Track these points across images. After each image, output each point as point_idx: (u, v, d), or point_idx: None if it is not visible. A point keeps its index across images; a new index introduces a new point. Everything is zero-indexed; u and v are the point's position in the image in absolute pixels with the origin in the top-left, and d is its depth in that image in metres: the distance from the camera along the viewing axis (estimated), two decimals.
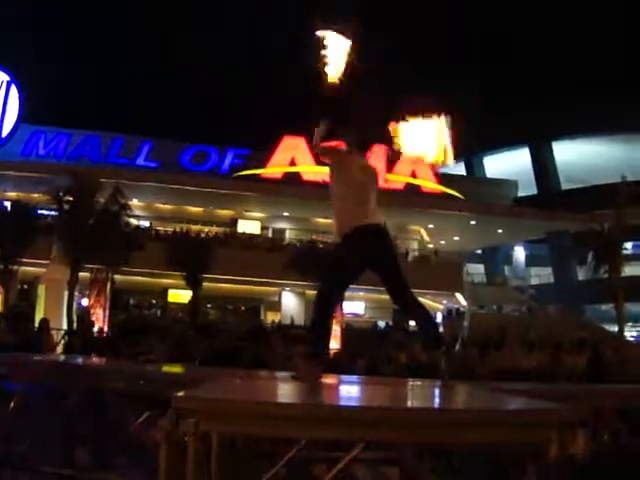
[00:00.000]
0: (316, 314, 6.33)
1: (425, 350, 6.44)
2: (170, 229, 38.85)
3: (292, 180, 44.11)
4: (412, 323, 42.06)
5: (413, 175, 46.40)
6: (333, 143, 6.71)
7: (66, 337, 21.39)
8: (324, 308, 6.35)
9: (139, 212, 41.98)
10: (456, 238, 51.95)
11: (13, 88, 45.59)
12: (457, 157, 7.11)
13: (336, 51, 6.62)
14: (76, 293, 26.02)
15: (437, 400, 5.36)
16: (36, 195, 28.45)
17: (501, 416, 3.72)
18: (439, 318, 50.36)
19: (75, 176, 25.76)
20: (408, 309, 6.41)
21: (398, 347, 19.66)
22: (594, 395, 6.08)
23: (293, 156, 45.16)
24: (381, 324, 39.40)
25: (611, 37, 56.83)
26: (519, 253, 65.84)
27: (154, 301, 44.44)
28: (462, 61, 64.46)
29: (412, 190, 45.44)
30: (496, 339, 19.53)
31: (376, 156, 7.01)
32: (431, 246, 50.95)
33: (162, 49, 70.58)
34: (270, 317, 42.38)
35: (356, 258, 6.24)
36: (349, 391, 5.68)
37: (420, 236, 51.30)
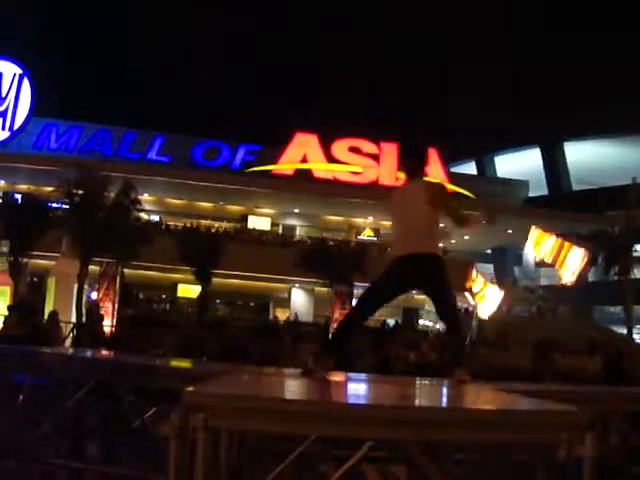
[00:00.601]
0: (345, 321, 6.52)
1: (448, 364, 6.62)
2: (180, 224, 38.86)
3: (303, 177, 44.04)
4: (421, 322, 42.08)
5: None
6: None
7: (75, 330, 21.46)
8: (354, 318, 6.57)
9: (150, 207, 42.03)
10: (466, 237, 51.83)
11: (25, 81, 45.64)
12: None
13: None
14: (85, 286, 26.11)
15: (446, 399, 5.36)
16: (47, 188, 28.46)
17: (510, 416, 3.71)
18: None
19: (86, 170, 25.81)
20: (446, 329, 6.79)
21: (407, 346, 19.66)
22: (603, 397, 6.07)
23: (305, 153, 45.12)
24: (390, 322, 39.34)
25: (623, 38, 56.57)
26: (529, 253, 65.70)
27: (163, 296, 44.51)
28: (475, 64, 64.28)
29: None
30: (504, 339, 19.52)
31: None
32: (441, 245, 50.81)
33: (176, 43, 70.73)
34: (279, 313, 42.39)
35: (400, 282, 6.55)
36: (358, 389, 5.68)
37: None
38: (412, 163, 7.01)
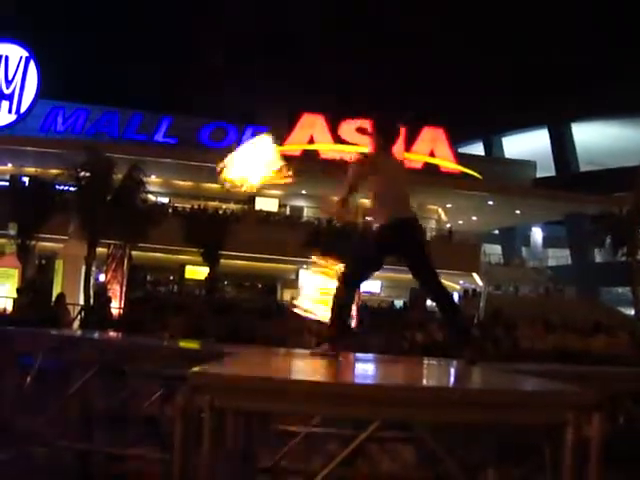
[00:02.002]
0: (338, 295, 6.42)
1: (452, 344, 6.52)
2: (188, 206, 38.85)
3: (310, 158, 43.97)
4: (429, 302, 42.07)
5: (432, 154, 46.22)
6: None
7: (83, 312, 21.51)
8: (346, 290, 6.45)
9: (157, 188, 42.04)
10: (474, 218, 51.82)
11: (32, 64, 45.67)
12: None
13: None
14: (93, 269, 26.13)
15: (453, 379, 5.37)
16: (54, 171, 28.44)
17: (517, 397, 3.71)
18: (455, 298, 50.36)
19: (93, 152, 25.80)
20: (436, 300, 6.60)
21: (414, 326, 19.67)
22: (610, 378, 6.07)
23: (312, 134, 45.08)
24: (398, 303, 39.36)
25: (631, 19, 56.25)
26: (537, 234, 65.72)
27: (171, 277, 44.58)
28: (483, 43, 64.04)
29: (430, 169, 45.24)
30: (511, 320, 19.47)
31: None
32: (448, 225, 50.78)
33: (182, 25, 70.58)
34: (287, 295, 42.44)
35: (388, 248, 6.48)
36: (365, 369, 5.69)
37: (438, 216, 51.13)
38: (391, 136, 6.91)
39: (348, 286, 6.48)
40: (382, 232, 6.47)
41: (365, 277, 6.75)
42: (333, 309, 6.42)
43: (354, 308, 28.19)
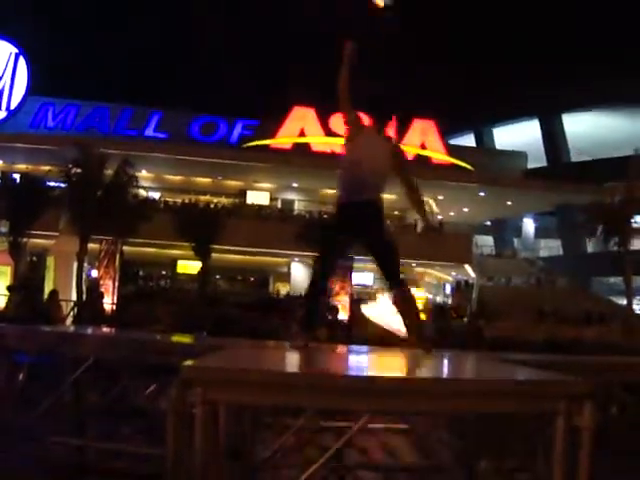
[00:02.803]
0: (309, 286, 6.41)
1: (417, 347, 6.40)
2: (179, 200, 38.86)
3: (301, 151, 43.94)
4: (422, 294, 42.03)
5: (423, 146, 46.21)
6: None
7: (75, 308, 21.49)
8: (314, 280, 6.44)
9: (148, 183, 42.00)
10: (465, 210, 51.86)
11: (22, 60, 45.52)
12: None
13: None
14: (85, 264, 26.09)
15: (444, 370, 5.38)
16: (45, 167, 28.39)
17: (509, 386, 3.72)
18: (448, 289, 50.54)
19: (83, 148, 25.75)
20: (393, 299, 6.45)
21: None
22: (601, 367, 6.09)
23: (302, 127, 45.01)
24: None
25: (622, 8, 56.28)
26: (528, 225, 65.81)
27: (163, 272, 44.57)
28: (473, 33, 64.07)
29: (422, 161, 45.20)
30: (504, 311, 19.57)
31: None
32: (440, 217, 50.81)
33: (171, 19, 70.40)
34: (279, 288, 42.49)
35: (344, 231, 6.39)
36: (357, 361, 5.69)
37: (429, 207, 51.13)
38: (385, 116, 6.82)
39: (314, 277, 6.48)
40: (338, 214, 6.44)
41: (331, 262, 6.63)
42: (306, 299, 6.46)
43: (347, 300, 28.29)
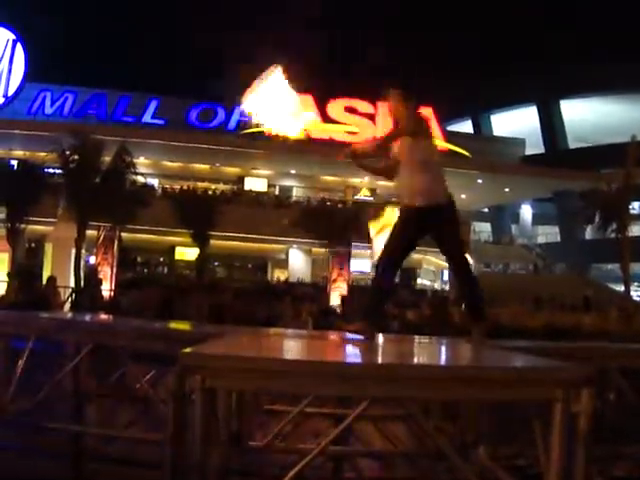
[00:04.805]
0: (373, 283, 6.46)
1: (468, 320, 6.44)
2: (177, 187, 38.80)
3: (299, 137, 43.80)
4: (420, 281, 42.18)
5: None
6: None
7: (73, 295, 21.52)
8: (380, 277, 6.41)
9: (146, 170, 41.92)
10: (463, 196, 51.75)
11: (19, 46, 45.35)
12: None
13: None
14: (83, 251, 26.09)
15: (442, 356, 5.39)
16: (42, 154, 28.33)
17: (506, 373, 3.73)
18: (445, 276, 50.55)
19: (81, 134, 25.70)
20: (457, 275, 6.49)
21: (404, 305, 19.71)
22: (599, 354, 6.09)
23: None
24: None
25: None
26: (526, 212, 65.69)
27: (161, 259, 44.55)
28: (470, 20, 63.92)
29: None
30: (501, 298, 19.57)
31: None
32: None
33: (170, 4, 70.13)
34: (277, 274, 42.52)
35: (421, 232, 6.45)
36: (355, 347, 5.70)
37: None
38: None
39: (386, 270, 6.43)
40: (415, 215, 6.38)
41: (401, 259, 6.55)
42: (373, 294, 6.43)
43: (345, 287, 28.29)
